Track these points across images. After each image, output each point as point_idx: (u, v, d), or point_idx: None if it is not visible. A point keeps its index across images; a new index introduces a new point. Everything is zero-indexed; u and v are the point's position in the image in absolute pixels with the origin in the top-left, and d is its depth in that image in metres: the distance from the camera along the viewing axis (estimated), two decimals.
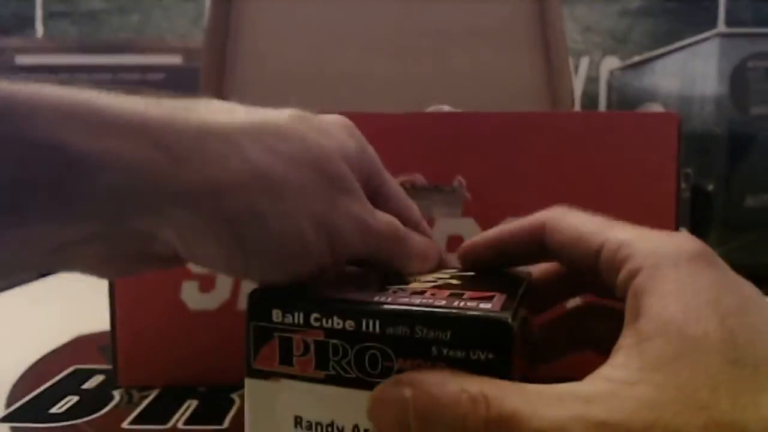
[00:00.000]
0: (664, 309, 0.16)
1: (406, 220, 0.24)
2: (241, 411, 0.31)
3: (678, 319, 0.16)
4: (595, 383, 0.16)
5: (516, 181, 0.33)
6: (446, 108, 0.45)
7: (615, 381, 0.16)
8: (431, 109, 0.45)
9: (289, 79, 0.66)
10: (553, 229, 0.22)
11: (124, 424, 0.30)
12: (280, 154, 0.19)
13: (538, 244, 0.22)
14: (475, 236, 0.24)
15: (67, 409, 0.31)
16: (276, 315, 0.20)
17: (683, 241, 0.18)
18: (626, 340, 0.17)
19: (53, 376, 0.36)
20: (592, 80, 1.45)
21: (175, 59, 1.08)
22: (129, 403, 0.32)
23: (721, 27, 1.38)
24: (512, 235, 0.23)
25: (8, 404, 0.32)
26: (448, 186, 0.33)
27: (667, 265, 0.17)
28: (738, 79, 0.85)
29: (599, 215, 0.21)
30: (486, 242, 0.24)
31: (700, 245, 0.18)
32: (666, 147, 0.33)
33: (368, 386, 0.19)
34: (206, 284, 0.33)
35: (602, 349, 0.23)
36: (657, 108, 1.04)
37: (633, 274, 0.18)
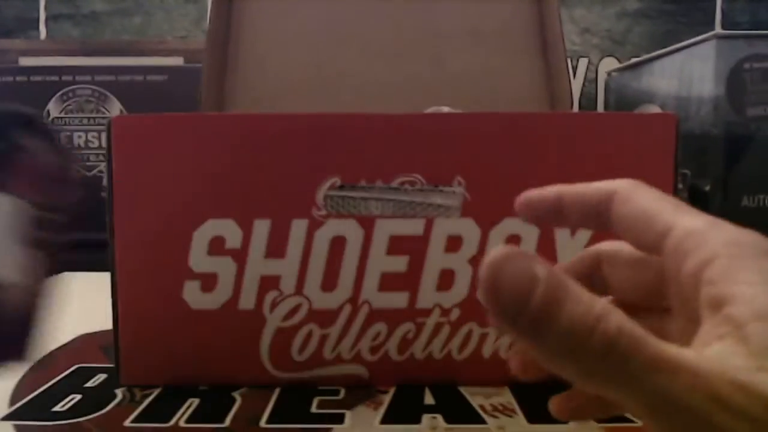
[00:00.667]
0: (755, 297, 0.16)
1: None
2: (243, 410, 0.31)
3: None
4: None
5: (515, 182, 0.33)
6: (446, 109, 0.46)
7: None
8: (431, 109, 0.46)
9: (290, 80, 0.66)
10: (623, 200, 0.21)
11: (127, 423, 0.30)
12: None
13: (603, 212, 0.21)
14: (532, 190, 0.23)
15: (70, 408, 0.32)
16: None
17: (756, 235, 0.18)
18: (719, 329, 0.16)
19: (56, 375, 0.36)
20: (590, 82, 1.46)
21: (176, 61, 1.08)
22: (131, 401, 0.33)
23: (718, 29, 1.39)
24: (577, 196, 0.22)
25: (12, 402, 0.32)
26: (448, 186, 0.33)
27: (748, 255, 0.17)
28: (735, 80, 0.86)
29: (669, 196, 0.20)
30: (542, 197, 0.22)
31: None
32: (664, 148, 0.33)
33: None
34: (208, 284, 0.34)
35: None
36: (654, 109, 1.04)
37: (707, 263, 0.17)
